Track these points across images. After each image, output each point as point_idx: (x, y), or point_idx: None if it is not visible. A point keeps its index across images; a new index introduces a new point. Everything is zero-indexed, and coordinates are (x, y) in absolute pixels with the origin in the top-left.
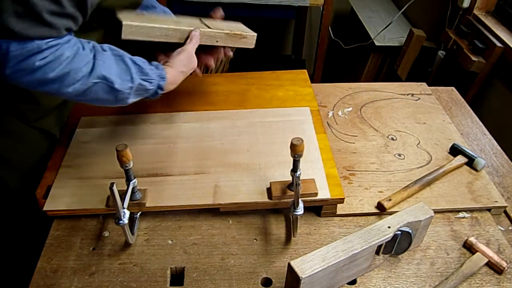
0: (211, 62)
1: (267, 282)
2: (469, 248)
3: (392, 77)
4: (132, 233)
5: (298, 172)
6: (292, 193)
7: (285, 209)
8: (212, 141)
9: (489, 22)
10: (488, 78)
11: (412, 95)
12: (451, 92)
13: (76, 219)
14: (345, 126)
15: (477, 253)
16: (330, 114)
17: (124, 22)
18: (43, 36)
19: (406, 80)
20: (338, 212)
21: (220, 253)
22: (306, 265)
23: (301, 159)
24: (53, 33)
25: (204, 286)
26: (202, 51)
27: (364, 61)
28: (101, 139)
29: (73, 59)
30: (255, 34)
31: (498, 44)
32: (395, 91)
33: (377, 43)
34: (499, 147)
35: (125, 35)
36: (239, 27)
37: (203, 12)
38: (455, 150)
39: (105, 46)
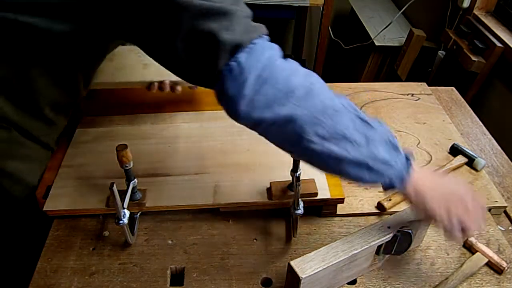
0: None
1: (267, 282)
2: (469, 248)
3: (392, 77)
4: (132, 233)
5: (298, 172)
6: (292, 193)
7: (285, 209)
8: (212, 141)
9: (489, 22)
10: (488, 78)
11: (412, 95)
12: (451, 92)
13: (76, 219)
14: None
15: (477, 253)
16: None
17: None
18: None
19: (406, 80)
20: (338, 212)
21: (220, 253)
22: (306, 265)
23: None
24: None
25: (204, 286)
26: None
27: (364, 61)
28: (101, 139)
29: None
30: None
31: (498, 44)
32: (395, 91)
33: (377, 43)
34: (499, 147)
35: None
36: None
37: None
38: (455, 150)
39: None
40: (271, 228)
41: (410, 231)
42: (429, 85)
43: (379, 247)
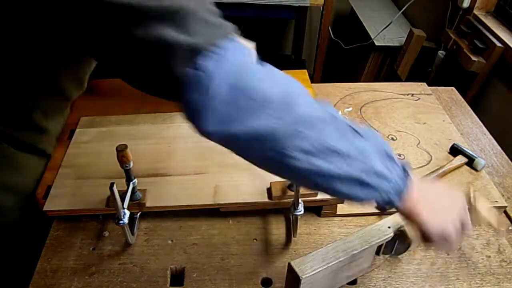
0: None
1: (267, 282)
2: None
3: (392, 77)
4: (132, 233)
5: None
6: (292, 193)
7: (285, 209)
8: None
9: (489, 22)
10: (488, 78)
11: (412, 95)
12: (451, 92)
13: (76, 219)
14: None
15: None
16: None
17: None
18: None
19: (406, 80)
20: (338, 212)
21: (220, 253)
22: (306, 265)
23: None
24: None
25: (204, 286)
26: None
27: (364, 61)
28: (101, 139)
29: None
30: None
31: (498, 44)
32: (395, 91)
33: (377, 43)
34: (499, 147)
35: None
36: None
37: None
38: (455, 150)
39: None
40: (271, 228)
41: None
42: (429, 85)
43: (379, 247)
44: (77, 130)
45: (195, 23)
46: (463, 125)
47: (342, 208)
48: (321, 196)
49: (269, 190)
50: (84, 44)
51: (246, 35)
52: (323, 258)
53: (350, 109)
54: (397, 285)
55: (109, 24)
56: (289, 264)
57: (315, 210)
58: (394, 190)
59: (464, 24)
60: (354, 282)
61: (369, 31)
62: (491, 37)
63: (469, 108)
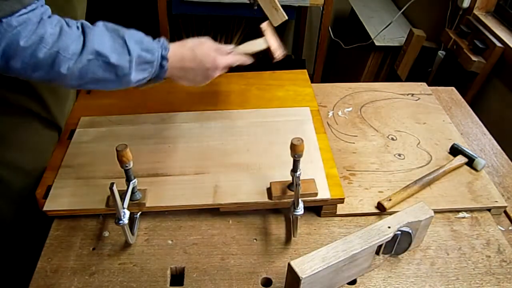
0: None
1: (267, 282)
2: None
3: (392, 77)
4: (132, 233)
5: (298, 172)
6: (292, 193)
7: (285, 209)
8: (212, 141)
9: (489, 22)
10: (488, 78)
11: (412, 95)
12: (451, 92)
13: (76, 219)
14: (345, 126)
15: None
16: (330, 114)
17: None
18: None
19: (406, 80)
20: (338, 212)
21: (220, 253)
22: (306, 265)
23: (301, 159)
24: (16, 5)
25: (204, 286)
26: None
27: (364, 61)
28: (101, 139)
29: (60, 37)
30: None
31: (498, 44)
32: (395, 91)
33: (377, 43)
34: (499, 147)
35: None
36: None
37: (203, 12)
38: (455, 150)
39: (98, 22)
40: (271, 228)
41: (410, 231)
42: (429, 85)
43: (379, 247)
44: (77, 130)
45: None
46: (463, 125)
47: (342, 208)
48: (321, 196)
49: (269, 190)
50: None
51: (246, 35)
52: (323, 258)
53: (350, 109)
54: (397, 285)
55: None
56: (289, 264)
57: (315, 210)
58: (159, 58)
59: (464, 24)
60: (354, 282)
61: (369, 31)
62: (491, 37)
63: (469, 108)
